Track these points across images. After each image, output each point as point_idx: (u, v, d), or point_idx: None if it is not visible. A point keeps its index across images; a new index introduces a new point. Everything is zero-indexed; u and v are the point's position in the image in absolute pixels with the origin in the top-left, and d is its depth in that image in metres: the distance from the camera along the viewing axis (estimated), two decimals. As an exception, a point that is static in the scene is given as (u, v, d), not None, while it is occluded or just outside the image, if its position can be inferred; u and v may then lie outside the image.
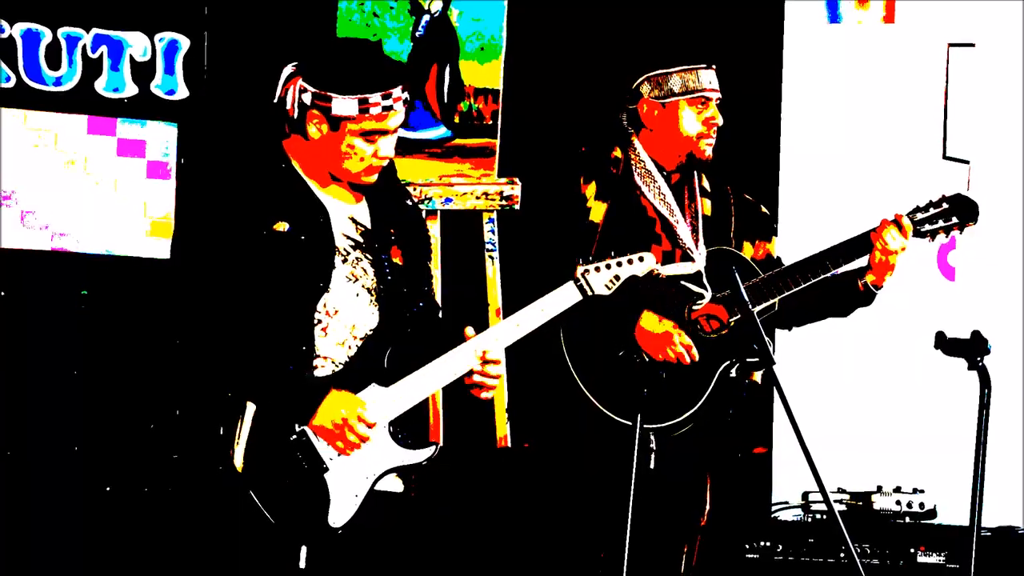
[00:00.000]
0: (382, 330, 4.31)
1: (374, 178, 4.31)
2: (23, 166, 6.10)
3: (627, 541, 4.48)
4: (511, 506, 6.13)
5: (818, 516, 5.89)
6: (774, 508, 6.17)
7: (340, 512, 4.19)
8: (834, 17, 6.60)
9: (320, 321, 4.24)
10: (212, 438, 4.16)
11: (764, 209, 5.35)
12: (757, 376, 5.17)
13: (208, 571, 4.25)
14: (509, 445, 6.45)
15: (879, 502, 5.89)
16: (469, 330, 4.29)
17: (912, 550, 5.78)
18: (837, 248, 5.11)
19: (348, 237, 4.31)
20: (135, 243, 6.17)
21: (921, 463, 6.21)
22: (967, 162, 6.50)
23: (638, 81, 5.14)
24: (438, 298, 4.67)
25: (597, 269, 4.38)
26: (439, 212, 6.46)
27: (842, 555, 5.71)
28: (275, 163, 4.31)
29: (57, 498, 6.03)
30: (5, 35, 6.08)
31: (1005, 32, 6.47)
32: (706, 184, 5.23)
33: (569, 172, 5.13)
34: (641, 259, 4.40)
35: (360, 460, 4.21)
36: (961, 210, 5.14)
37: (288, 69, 4.28)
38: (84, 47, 6.14)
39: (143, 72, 6.19)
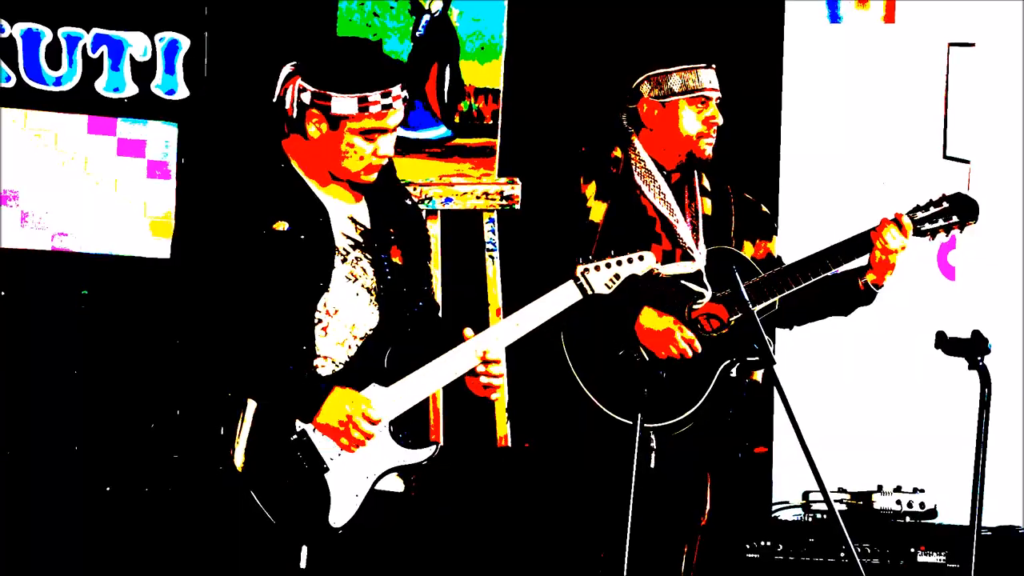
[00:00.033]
0: (382, 330, 4.30)
1: (374, 177, 4.31)
2: (23, 166, 6.09)
3: (627, 541, 4.48)
4: (511, 506, 6.12)
5: (818, 516, 5.89)
6: (774, 508, 6.17)
7: (341, 512, 4.19)
8: (834, 17, 6.60)
9: (320, 321, 4.24)
10: (212, 438, 4.16)
11: (764, 208, 5.35)
12: (758, 375, 5.16)
13: (209, 571, 4.25)
14: (509, 445, 6.44)
15: (879, 502, 5.89)
16: (468, 331, 4.29)
17: (912, 550, 5.78)
18: (837, 247, 5.10)
19: (348, 237, 4.31)
20: (135, 243, 6.17)
21: (921, 463, 6.21)
22: (967, 162, 6.50)
23: (638, 81, 5.14)
24: (438, 298, 4.67)
25: (597, 268, 4.38)
26: (439, 212, 6.46)
27: (842, 555, 5.71)
28: (275, 163, 4.31)
29: (57, 498, 6.02)
30: (5, 35, 6.08)
31: (1005, 32, 6.48)
32: (706, 183, 5.23)
33: (569, 172, 5.12)
34: (641, 258, 4.40)
35: (361, 460, 4.21)
36: (961, 209, 5.14)
37: (287, 69, 4.27)
38: (84, 47, 6.14)
39: (143, 72, 6.19)
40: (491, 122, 6.49)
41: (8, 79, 6.08)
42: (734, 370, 5.07)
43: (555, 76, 6.42)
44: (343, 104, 4.21)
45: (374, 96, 4.21)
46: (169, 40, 6.21)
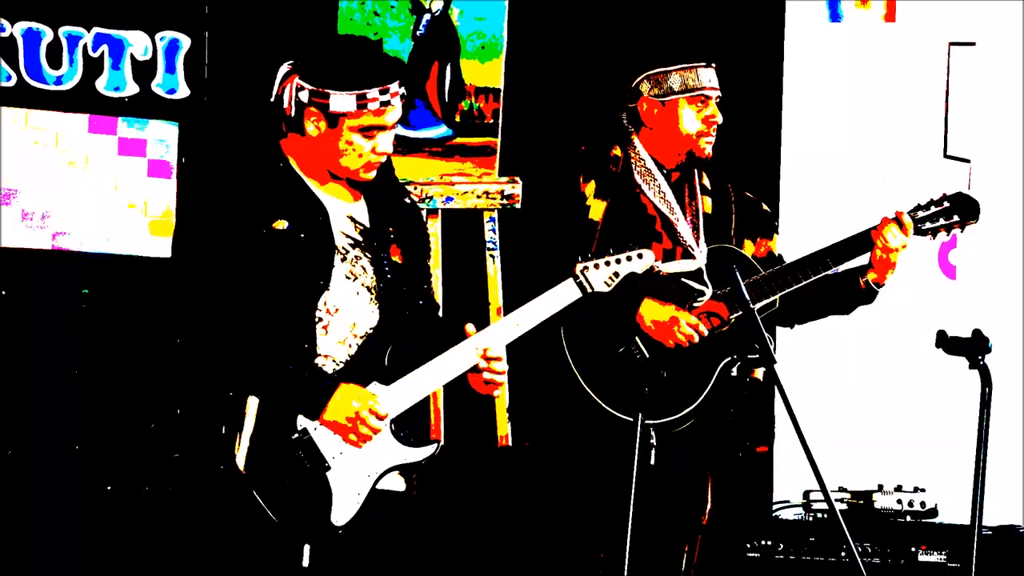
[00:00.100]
0: (382, 328, 4.30)
1: (373, 175, 4.31)
2: (24, 165, 6.09)
3: (628, 540, 4.48)
4: (512, 505, 6.12)
5: (819, 515, 5.89)
6: (775, 507, 6.17)
7: (342, 511, 4.19)
8: (835, 16, 6.60)
9: (321, 319, 4.24)
10: (214, 437, 4.15)
11: (765, 207, 5.35)
12: (758, 374, 5.16)
13: (210, 571, 4.25)
14: (510, 444, 6.44)
15: (880, 501, 5.89)
16: (470, 327, 4.28)
17: (913, 549, 5.78)
18: (838, 245, 5.11)
19: (347, 235, 4.31)
20: (136, 242, 6.17)
21: (922, 462, 6.21)
22: (968, 161, 6.50)
23: (638, 80, 5.14)
24: (439, 297, 4.67)
25: (596, 266, 4.38)
26: (440, 211, 6.46)
27: (843, 554, 5.70)
28: (274, 162, 4.31)
29: (57, 497, 6.02)
30: (6, 34, 6.08)
31: (1006, 31, 6.48)
32: (706, 182, 5.23)
33: (569, 171, 5.13)
34: (640, 256, 4.40)
35: (362, 458, 4.21)
36: (962, 208, 5.14)
37: (284, 67, 4.27)
38: (85, 46, 6.13)
39: (144, 71, 6.19)
40: (492, 121, 6.49)
41: (9, 78, 6.08)
42: (735, 369, 5.07)
43: (555, 75, 6.42)
44: (341, 101, 4.21)
45: (372, 93, 4.21)
46: (170, 39, 6.21)
